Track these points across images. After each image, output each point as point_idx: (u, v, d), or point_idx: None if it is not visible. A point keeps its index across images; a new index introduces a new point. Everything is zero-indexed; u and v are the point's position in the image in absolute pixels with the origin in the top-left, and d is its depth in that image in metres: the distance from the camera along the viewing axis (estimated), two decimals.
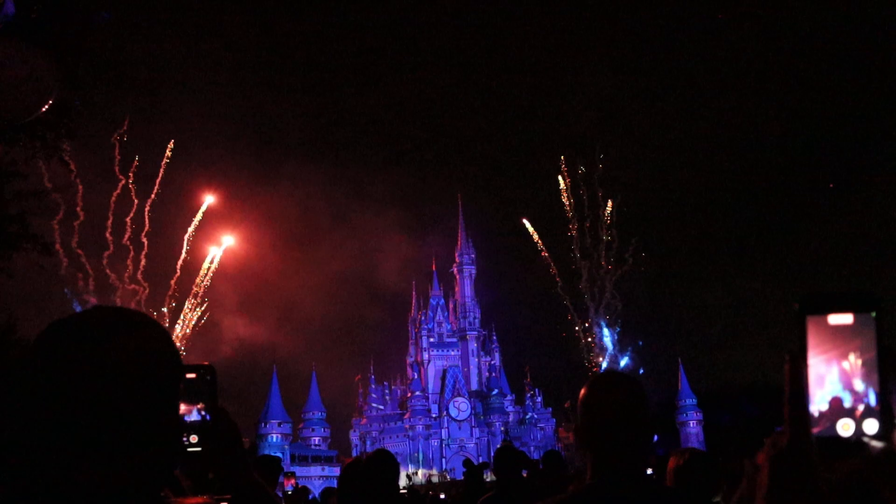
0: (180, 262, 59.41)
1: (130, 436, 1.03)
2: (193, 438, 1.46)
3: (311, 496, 13.52)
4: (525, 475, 7.61)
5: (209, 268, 60.64)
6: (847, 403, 0.72)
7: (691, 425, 74.34)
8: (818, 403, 0.72)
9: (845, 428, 0.71)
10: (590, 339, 70.67)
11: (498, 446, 8.75)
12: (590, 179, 70.34)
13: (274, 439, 68.23)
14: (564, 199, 71.66)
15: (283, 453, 65.85)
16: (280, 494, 10.45)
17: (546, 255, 73.15)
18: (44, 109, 4.19)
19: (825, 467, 0.71)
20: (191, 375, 1.45)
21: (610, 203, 69.91)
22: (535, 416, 78.61)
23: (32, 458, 1.00)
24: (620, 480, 1.85)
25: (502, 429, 74.38)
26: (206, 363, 1.49)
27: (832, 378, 0.72)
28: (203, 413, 1.47)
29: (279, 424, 69.94)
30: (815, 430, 0.72)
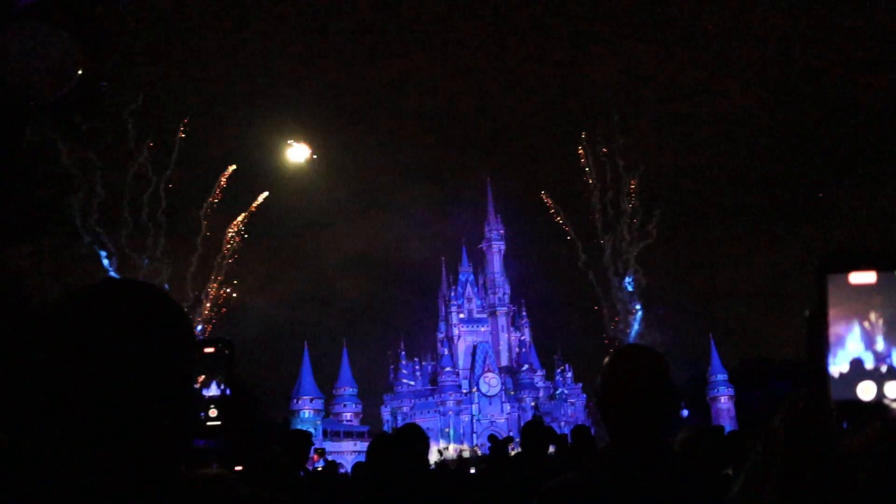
0: (200, 238, 60.06)
1: (144, 409, 1.02)
2: (213, 412, 1.46)
3: (341, 470, 13.70)
4: (553, 450, 7.63)
5: (247, 213, 60.83)
6: (868, 365, 0.68)
7: (722, 401, 73.88)
8: (839, 365, 0.68)
9: (866, 391, 0.67)
10: (617, 319, 70.35)
11: (526, 421, 8.76)
12: (610, 150, 69.74)
13: (306, 415, 69.24)
14: (586, 173, 71.25)
15: (315, 429, 66.83)
16: (310, 468, 10.60)
17: (567, 229, 72.92)
18: (68, 91, 4.22)
19: (845, 432, 0.67)
20: (209, 350, 1.45)
21: (633, 182, 69.21)
22: (566, 391, 78.70)
23: (48, 433, 1.00)
24: (639, 454, 1.83)
25: (532, 404, 74.62)
26: (225, 338, 1.49)
27: (853, 339, 0.68)
28: (222, 387, 1.47)
29: (311, 400, 70.93)
30: (834, 394, 0.67)
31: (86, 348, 1.01)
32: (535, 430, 5.84)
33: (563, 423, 65.33)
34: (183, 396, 1.09)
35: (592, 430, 7.79)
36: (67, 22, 4.97)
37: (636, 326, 70.16)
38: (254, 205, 63.35)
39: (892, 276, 0.68)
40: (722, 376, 75.17)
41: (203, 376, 1.46)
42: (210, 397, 1.47)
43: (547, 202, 74.78)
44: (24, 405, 1.04)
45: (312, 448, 7.14)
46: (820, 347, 0.69)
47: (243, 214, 62.50)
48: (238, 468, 1.58)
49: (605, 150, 69.80)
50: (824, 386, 0.68)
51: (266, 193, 64.15)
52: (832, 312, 0.68)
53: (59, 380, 1.00)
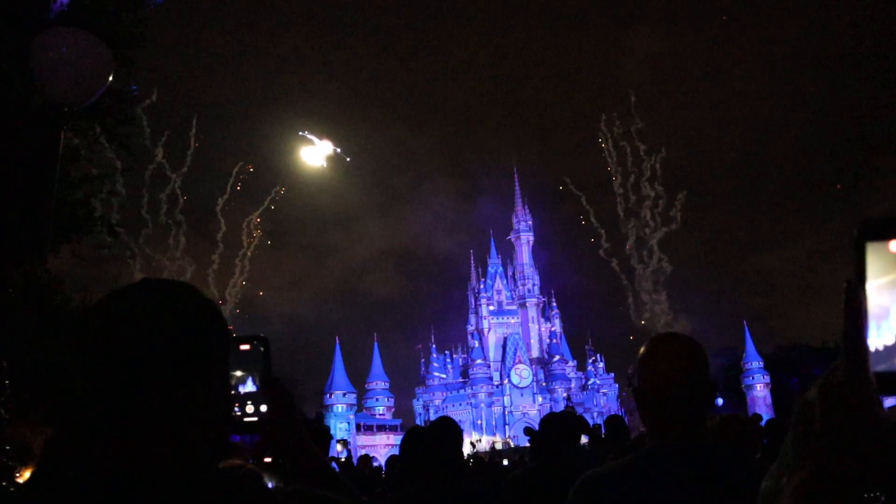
0: (220, 235, 60.29)
1: (185, 405, 1.04)
2: (249, 409, 1.49)
3: (375, 463, 13.82)
4: (587, 441, 7.60)
5: (266, 205, 60.51)
6: None
7: (758, 389, 72.87)
8: (882, 336, 0.64)
9: None
10: (645, 310, 69.56)
11: (559, 411, 8.73)
12: (629, 132, 68.97)
13: (339, 409, 69.75)
14: (607, 158, 70.66)
15: (348, 423, 67.36)
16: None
17: (586, 218, 72.31)
18: (99, 96, 4.30)
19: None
20: (245, 347, 1.48)
21: (652, 165, 68.25)
22: (598, 381, 78.29)
23: (90, 427, 1.03)
24: (676, 444, 1.82)
25: (564, 395, 74.34)
26: (260, 335, 1.51)
27: None
28: (258, 383, 1.50)
29: (344, 395, 71.43)
30: (875, 366, 0.64)
31: (127, 346, 1.03)
32: (553, 425, 5.79)
33: (595, 414, 65.04)
34: (221, 393, 1.12)
35: (626, 420, 7.75)
36: (97, 28, 5.06)
37: (662, 315, 69.46)
38: (268, 199, 63.53)
39: None
40: (757, 363, 74.06)
41: (239, 373, 1.49)
42: (246, 394, 1.50)
43: (569, 190, 74.40)
44: (68, 400, 1.07)
45: (334, 440, 7.24)
46: (859, 318, 0.64)
47: (256, 214, 62.82)
48: (267, 459, 1.60)
49: (623, 132, 69.24)
50: (864, 357, 0.64)
51: (282, 189, 64.32)
52: (873, 282, 0.64)
53: (102, 376, 1.03)
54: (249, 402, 1.50)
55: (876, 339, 0.64)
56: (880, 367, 0.64)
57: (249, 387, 1.51)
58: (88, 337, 1.06)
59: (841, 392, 0.65)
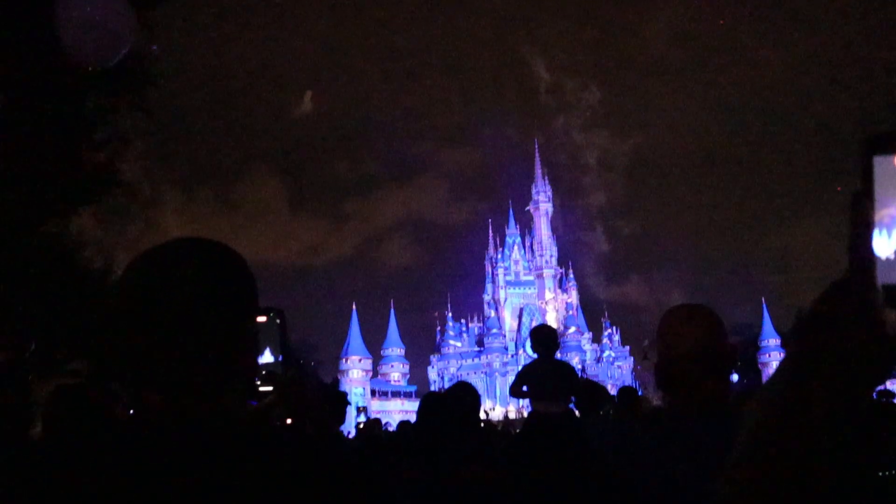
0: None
1: (215, 359, 1.05)
2: (265, 378, 1.53)
3: (385, 425, 14.01)
4: (610, 409, 7.66)
5: None
6: None
7: (774, 366, 72.42)
8: (888, 248, 0.62)
9: None
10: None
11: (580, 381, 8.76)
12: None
13: (354, 375, 70.47)
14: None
15: (363, 388, 68.08)
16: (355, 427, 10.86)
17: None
18: (121, 57, 4.30)
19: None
20: (261, 319, 1.49)
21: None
22: (613, 354, 78.39)
23: (122, 383, 1.05)
24: (698, 416, 1.83)
25: (579, 367, 74.56)
26: (277, 307, 1.53)
27: None
28: (273, 354, 1.53)
29: (359, 361, 72.11)
30: (881, 277, 0.62)
31: (155, 303, 1.04)
32: (590, 390, 5.89)
33: (610, 386, 65.15)
34: (250, 346, 1.13)
35: (640, 393, 7.78)
36: None
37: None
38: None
39: None
40: (774, 341, 73.74)
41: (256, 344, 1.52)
42: (262, 364, 1.54)
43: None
44: (101, 353, 1.09)
45: (348, 406, 7.34)
46: (865, 228, 0.63)
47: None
48: (288, 421, 1.67)
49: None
50: (871, 269, 0.63)
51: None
52: (879, 194, 0.63)
53: (136, 333, 1.05)
54: (265, 373, 1.53)
55: (884, 250, 0.63)
56: (884, 279, 0.62)
57: (267, 357, 1.53)
58: (125, 295, 1.07)
59: (847, 301, 0.64)
